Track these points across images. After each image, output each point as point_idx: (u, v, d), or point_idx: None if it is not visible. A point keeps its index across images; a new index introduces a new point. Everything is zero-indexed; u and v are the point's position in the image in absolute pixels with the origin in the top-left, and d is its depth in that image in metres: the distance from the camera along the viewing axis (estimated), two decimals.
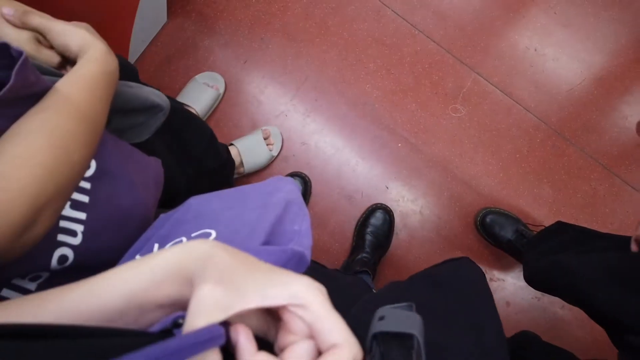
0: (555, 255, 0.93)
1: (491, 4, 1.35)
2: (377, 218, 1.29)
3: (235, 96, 1.35)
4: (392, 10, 1.35)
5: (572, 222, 1.10)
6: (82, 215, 0.51)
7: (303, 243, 0.43)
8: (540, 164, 1.30)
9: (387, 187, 1.32)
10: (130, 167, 0.59)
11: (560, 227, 1.03)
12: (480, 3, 1.35)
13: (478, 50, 1.34)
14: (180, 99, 1.28)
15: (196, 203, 0.53)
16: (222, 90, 1.33)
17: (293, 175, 1.31)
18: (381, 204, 1.30)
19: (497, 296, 1.28)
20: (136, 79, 0.76)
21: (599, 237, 0.90)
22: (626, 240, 0.80)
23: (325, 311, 0.27)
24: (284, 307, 0.28)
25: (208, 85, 1.30)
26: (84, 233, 0.51)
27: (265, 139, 1.27)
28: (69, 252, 0.49)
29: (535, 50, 1.34)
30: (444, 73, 1.33)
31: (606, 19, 1.34)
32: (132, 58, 1.28)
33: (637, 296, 0.70)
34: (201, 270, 0.28)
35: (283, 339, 0.28)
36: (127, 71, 0.68)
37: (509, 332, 1.04)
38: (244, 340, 0.27)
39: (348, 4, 1.36)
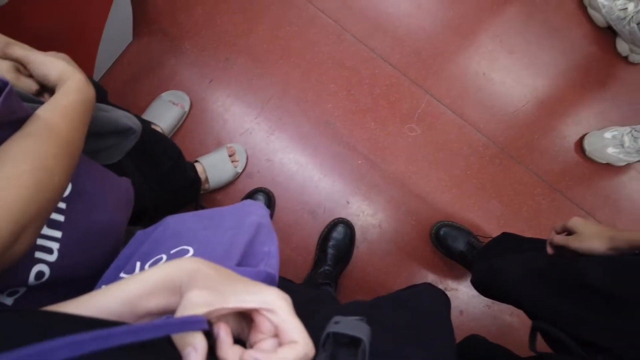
0: (492, 260, 1.02)
1: (443, 31, 1.45)
2: (339, 232, 1.34)
3: (200, 114, 1.38)
4: (352, 35, 1.43)
5: (518, 233, 1.19)
6: (57, 234, 0.54)
7: (272, 264, 0.49)
8: (490, 180, 1.40)
9: (348, 202, 1.39)
10: (104, 187, 0.62)
11: (504, 237, 1.12)
12: (433, 30, 1.45)
13: (431, 73, 1.43)
14: (146, 116, 1.31)
15: (173, 222, 0.57)
16: (187, 109, 1.36)
17: (257, 190, 1.35)
18: (342, 218, 1.36)
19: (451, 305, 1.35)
20: (106, 101, 0.79)
21: (532, 241, 1.00)
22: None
23: (289, 316, 0.34)
24: (256, 311, 0.34)
25: (173, 103, 1.33)
26: (59, 250, 0.54)
27: (230, 156, 1.31)
28: (45, 269, 0.52)
29: (484, 74, 1.44)
30: (400, 94, 1.42)
31: (547, 47, 1.47)
32: (97, 76, 1.30)
33: (551, 292, 0.78)
34: (188, 281, 0.34)
35: (254, 336, 0.35)
36: (98, 93, 0.71)
37: (462, 338, 1.11)
38: (224, 334, 0.33)
39: (310, 28, 1.43)
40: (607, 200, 1.42)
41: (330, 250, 1.32)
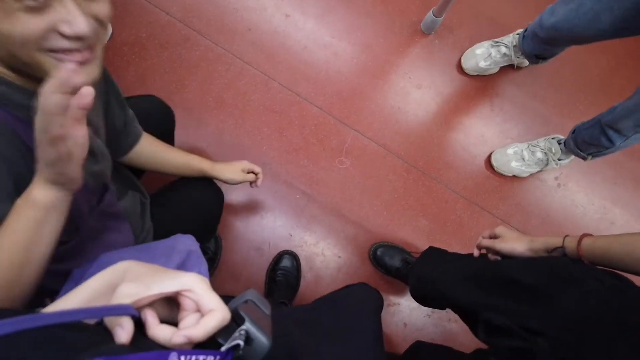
0: (425, 272, 1.15)
1: (359, 73, 1.63)
2: (285, 262, 1.43)
3: None
4: (279, 83, 1.57)
5: (445, 246, 1.33)
6: None
7: None
8: (416, 200, 1.55)
9: (291, 235, 1.48)
10: None
11: (432, 251, 1.25)
12: (350, 73, 1.62)
13: (353, 111, 1.59)
14: None
15: (107, 257, 0.65)
16: None
17: None
18: (287, 250, 1.45)
19: (395, 319, 1.46)
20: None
21: (453, 254, 1.14)
22: (470, 255, 1.04)
23: (205, 291, 0.42)
24: (179, 293, 0.42)
25: None
26: None
27: None
28: None
29: (399, 108, 1.62)
30: (328, 132, 1.56)
31: (448, 80, 1.68)
32: None
33: (484, 290, 0.90)
34: (122, 278, 0.42)
35: (180, 315, 0.43)
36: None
37: None
38: (151, 317, 0.41)
39: (239, 79, 1.56)
40: (518, 208, 1.61)
41: (279, 278, 1.40)
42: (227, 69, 1.56)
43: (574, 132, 1.45)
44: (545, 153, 1.55)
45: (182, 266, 0.63)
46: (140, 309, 0.41)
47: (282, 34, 1.63)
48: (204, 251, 1.37)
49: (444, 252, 1.24)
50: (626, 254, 0.70)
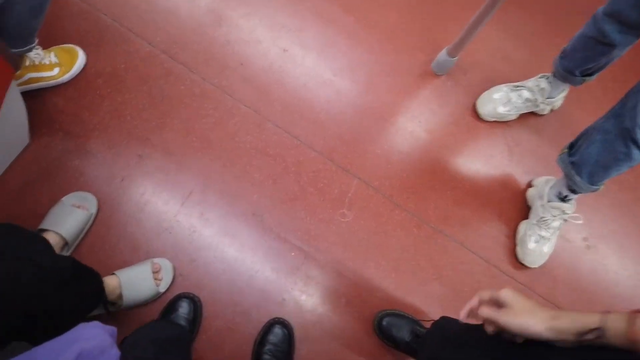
0: (436, 353, 0.94)
1: (363, 115, 1.46)
2: (275, 334, 1.21)
3: (111, 217, 1.24)
4: (273, 124, 1.40)
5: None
6: None
7: None
8: (428, 261, 1.36)
9: (284, 299, 1.27)
10: None
11: (445, 322, 1.04)
12: (354, 114, 1.46)
13: (357, 156, 1.41)
14: (44, 224, 1.15)
15: None
16: (93, 210, 1.22)
17: (180, 297, 1.20)
18: (279, 318, 1.24)
19: None
20: None
21: (477, 329, 0.92)
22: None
23: None
24: None
25: (77, 207, 1.19)
26: None
27: (154, 272, 1.17)
28: None
29: (408, 154, 1.45)
30: (328, 180, 1.38)
31: (460, 128, 1.52)
32: None
33: None
34: None
35: None
36: None
37: None
38: None
39: (229, 119, 1.38)
40: (543, 272, 1.42)
41: (266, 357, 1.17)
42: (216, 107, 1.38)
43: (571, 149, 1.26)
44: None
45: None
46: None
47: (278, 69, 1.47)
48: (176, 322, 1.15)
49: (458, 324, 1.03)
50: None
